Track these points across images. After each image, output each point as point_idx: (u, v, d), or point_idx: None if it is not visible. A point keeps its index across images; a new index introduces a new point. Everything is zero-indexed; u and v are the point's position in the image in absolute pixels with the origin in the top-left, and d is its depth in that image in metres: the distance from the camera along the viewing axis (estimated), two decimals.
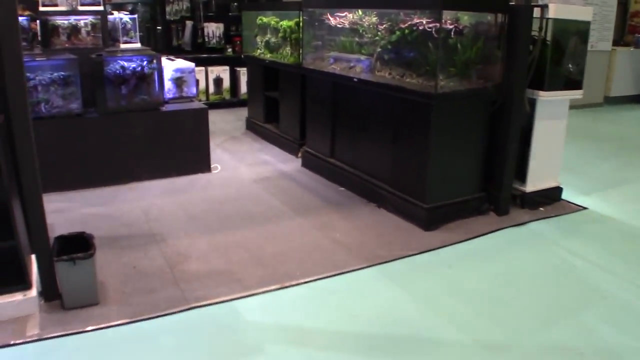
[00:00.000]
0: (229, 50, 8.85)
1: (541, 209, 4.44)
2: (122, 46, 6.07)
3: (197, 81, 7.28)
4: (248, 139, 6.72)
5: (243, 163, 5.65)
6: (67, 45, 5.55)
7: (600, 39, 9.00)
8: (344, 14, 4.73)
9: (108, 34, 5.87)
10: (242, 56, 7.35)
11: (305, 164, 5.51)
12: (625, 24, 10.24)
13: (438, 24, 3.67)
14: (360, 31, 4.55)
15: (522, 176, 4.38)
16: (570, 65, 4.30)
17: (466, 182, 4.18)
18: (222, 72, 8.57)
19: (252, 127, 7.07)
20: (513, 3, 4.19)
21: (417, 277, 3.32)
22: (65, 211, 4.19)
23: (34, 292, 2.82)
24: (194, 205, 4.39)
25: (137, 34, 6.30)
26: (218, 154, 5.86)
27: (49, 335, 2.64)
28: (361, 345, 2.64)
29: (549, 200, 4.52)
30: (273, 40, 6.27)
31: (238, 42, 8.63)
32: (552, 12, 4.07)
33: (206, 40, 8.63)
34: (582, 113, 8.53)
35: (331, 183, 4.99)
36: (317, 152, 5.31)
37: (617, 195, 4.90)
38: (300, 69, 5.49)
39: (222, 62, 8.63)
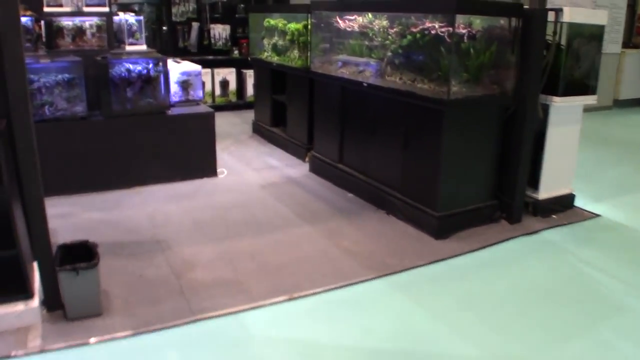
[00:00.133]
0: (236, 52, 8.78)
1: (554, 216, 4.35)
2: (128, 48, 6.02)
3: (203, 84, 7.23)
4: (254, 143, 6.64)
5: (250, 167, 5.57)
6: (71, 46, 5.50)
7: (610, 42, 8.88)
8: (353, 17, 4.64)
9: (114, 35, 5.82)
10: (249, 58, 7.28)
11: (312, 169, 5.43)
12: (633, 26, 10.12)
13: (451, 28, 3.58)
14: (370, 35, 4.46)
15: (534, 183, 4.29)
16: (584, 70, 4.20)
17: (478, 190, 4.09)
18: (229, 74, 8.51)
19: (258, 130, 7.00)
20: (527, 7, 4.10)
21: (429, 288, 3.23)
22: (68, 216, 4.13)
23: (35, 301, 2.74)
24: (200, 211, 4.32)
25: (143, 35, 6.25)
26: (224, 158, 5.78)
27: (50, 347, 2.56)
28: None
29: (562, 207, 4.43)
30: (280, 43, 6.19)
31: (245, 44, 8.56)
32: (567, 16, 3.98)
33: (212, 42, 8.56)
34: (592, 117, 8.41)
35: (339, 189, 4.91)
36: (325, 157, 5.23)
37: (629, 202, 4.81)
38: (308, 73, 5.42)
39: (228, 64, 8.57)
